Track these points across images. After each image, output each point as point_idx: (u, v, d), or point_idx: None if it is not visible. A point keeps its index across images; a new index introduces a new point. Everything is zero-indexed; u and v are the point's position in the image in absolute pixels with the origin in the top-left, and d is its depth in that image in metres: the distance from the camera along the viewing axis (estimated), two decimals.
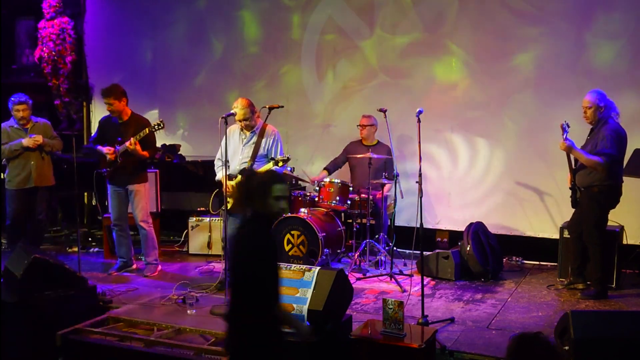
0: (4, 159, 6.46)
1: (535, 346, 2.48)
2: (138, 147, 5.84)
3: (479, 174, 7.01)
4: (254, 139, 5.47)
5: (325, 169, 6.96)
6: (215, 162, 5.66)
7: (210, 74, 8.27)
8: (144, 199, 6.14)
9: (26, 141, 6.35)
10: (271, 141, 5.50)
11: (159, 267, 6.30)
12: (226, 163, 5.22)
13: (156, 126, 5.86)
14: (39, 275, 4.62)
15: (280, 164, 5.29)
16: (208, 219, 7.00)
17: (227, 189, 5.28)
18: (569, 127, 5.27)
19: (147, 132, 5.85)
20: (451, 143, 7.10)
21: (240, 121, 5.42)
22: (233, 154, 5.45)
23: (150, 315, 4.86)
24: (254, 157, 5.44)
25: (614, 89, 5.96)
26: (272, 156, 5.45)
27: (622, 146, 5.23)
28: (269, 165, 5.31)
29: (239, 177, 5.36)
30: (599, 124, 5.26)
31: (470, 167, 7.04)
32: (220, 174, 5.50)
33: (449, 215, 7.15)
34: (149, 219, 6.22)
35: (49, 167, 6.60)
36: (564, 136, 5.23)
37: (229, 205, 5.34)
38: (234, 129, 5.54)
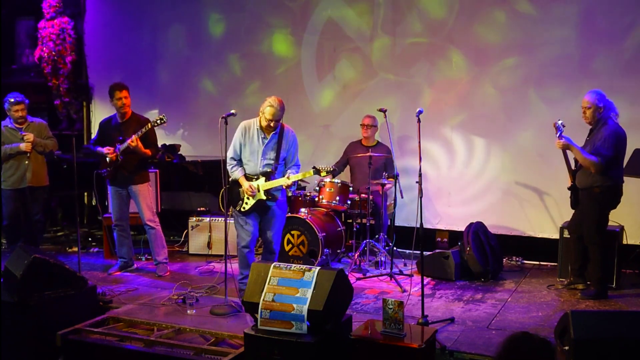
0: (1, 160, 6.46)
1: (525, 345, 2.45)
2: (140, 144, 5.84)
3: (479, 174, 7.01)
4: (275, 139, 5.20)
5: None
6: (228, 162, 5.28)
7: (210, 74, 8.28)
8: (148, 198, 6.13)
9: (24, 146, 6.36)
10: (291, 143, 5.28)
11: (168, 267, 6.31)
12: (239, 161, 5.14)
13: (158, 121, 5.82)
14: (39, 275, 4.61)
15: (323, 173, 5.13)
16: (208, 219, 7.00)
17: (247, 190, 5.13)
18: (563, 126, 5.23)
19: (150, 127, 5.84)
20: (451, 143, 7.10)
21: (270, 121, 5.06)
22: (251, 153, 5.20)
23: (150, 315, 4.87)
24: (278, 159, 5.22)
25: (614, 89, 5.97)
26: (292, 159, 5.27)
27: (622, 147, 5.22)
28: (309, 173, 5.14)
29: (262, 179, 5.18)
30: (598, 125, 5.24)
31: (471, 167, 7.05)
32: (237, 174, 5.22)
33: (449, 215, 7.15)
34: (156, 217, 6.21)
35: (43, 168, 6.59)
36: (558, 135, 5.21)
37: (246, 206, 5.20)
38: (250, 128, 5.22)
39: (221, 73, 8.21)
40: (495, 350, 2.50)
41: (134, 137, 5.81)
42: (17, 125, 6.46)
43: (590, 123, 5.32)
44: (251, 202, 5.21)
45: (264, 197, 5.18)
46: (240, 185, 5.23)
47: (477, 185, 7.03)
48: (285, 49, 7.84)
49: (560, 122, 5.25)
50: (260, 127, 5.18)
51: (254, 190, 5.16)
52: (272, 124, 5.10)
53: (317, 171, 5.14)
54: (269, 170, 5.20)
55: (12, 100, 6.39)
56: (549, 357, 2.43)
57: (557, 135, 5.22)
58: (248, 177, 5.22)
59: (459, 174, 7.11)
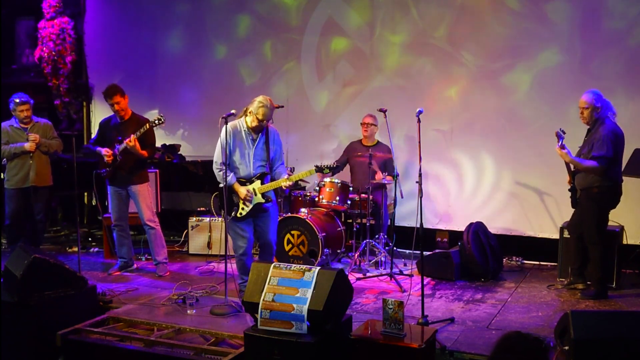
0: (4, 159, 6.47)
1: (519, 344, 2.45)
2: (137, 145, 5.84)
3: (479, 174, 7.01)
4: (264, 140, 5.10)
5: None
6: (217, 167, 5.08)
7: (210, 74, 8.28)
8: (148, 198, 6.13)
9: (28, 145, 6.37)
10: (277, 142, 5.20)
11: (168, 267, 6.30)
12: (228, 165, 4.96)
13: (156, 121, 5.83)
14: (39, 275, 4.61)
15: (326, 171, 5.07)
16: (208, 219, 7.00)
17: (247, 196, 5.02)
18: (564, 133, 5.24)
19: (148, 127, 5.84)
20: (451, 143, 7.10)
21: (262, 121, 4.95)
22: (242, 156, 5.06)
23: (150, 315, 4.87)
24: (269, 159, 5.14)
25: (614, 89, 5.96)
26: (278, 158, 5.18)
27: (619, 146, 5.21)
28: (311, 172, 5.07)
29: (258, 182, 5.09)
30: (596, 125, 5.24)
31: (470, 167, 7.04)
32: (231, 179, 5.02)
33: (449, 215, 7.16)
34: (155, 217, 6.21)
35: (47, 167, 6.59)
36: (560, 143, 5.22)
37: (243, 212, 5.09)
38: (239, 130, 5.06)
39: (221, 73, 8.21)
40: (490, 349, 2.50)
41: (132, 137, 5.81)
42: (22, 125, 6.47)
43: (587, 123, 5.31)
44: (248, 207, 5.09)
45: (263, 200, 5.11)
46: (233, 191, 5.08)
47: (478, 185, 7.03)
48: (286, 49, 7.84)
49: (560, 130, 5.25)
50: (248, 128, 5.06)
51: (252, 195, 5.08)
52: (263, 124, 5.01)
53: (319, 169, 5.07)
54: (263, 172, 5.12)
55: (18, 100, 6.42)
56: (543, 356, 2.43)
57: (559, 144, 5.22)
58: (241, 182, 5.09)
59: (458, 174, 7.10)
